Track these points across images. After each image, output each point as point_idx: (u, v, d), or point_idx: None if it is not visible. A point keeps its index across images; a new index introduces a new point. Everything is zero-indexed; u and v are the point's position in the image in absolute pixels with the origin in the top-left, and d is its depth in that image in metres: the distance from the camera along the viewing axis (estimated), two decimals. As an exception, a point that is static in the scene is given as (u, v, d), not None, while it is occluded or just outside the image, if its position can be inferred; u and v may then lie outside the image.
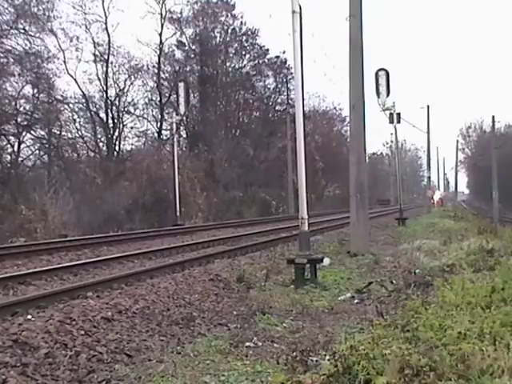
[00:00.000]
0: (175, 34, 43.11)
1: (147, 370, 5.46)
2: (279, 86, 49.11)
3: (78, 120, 36.77)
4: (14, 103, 29.84)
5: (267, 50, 47.20)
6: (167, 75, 43.27)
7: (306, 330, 7.16)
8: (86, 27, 36.60)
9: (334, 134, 60.39)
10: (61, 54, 34.52)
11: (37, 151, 33.09)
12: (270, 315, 7.79)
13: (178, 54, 44.13)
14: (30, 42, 30.40)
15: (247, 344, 6.39)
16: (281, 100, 49.59)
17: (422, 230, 24.52)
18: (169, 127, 40.00)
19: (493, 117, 56.74)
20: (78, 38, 35.65)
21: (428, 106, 54.11)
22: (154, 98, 41.97)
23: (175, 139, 31.63)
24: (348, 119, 22.26)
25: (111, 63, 38.06)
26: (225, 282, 10.01)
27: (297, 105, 11.86)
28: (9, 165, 29.94)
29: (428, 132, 54.32)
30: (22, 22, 30.03)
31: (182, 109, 30.37)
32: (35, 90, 31.65)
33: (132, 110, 39.93)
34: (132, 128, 40.38)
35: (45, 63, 32.16)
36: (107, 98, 37.71)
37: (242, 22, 45.74)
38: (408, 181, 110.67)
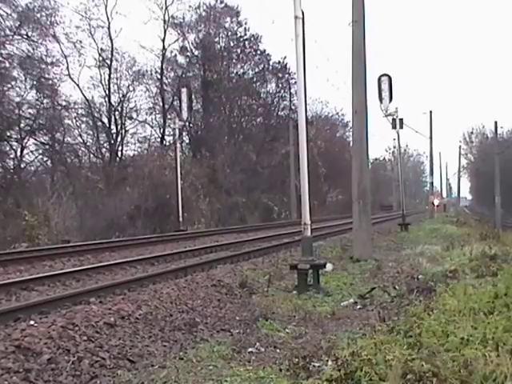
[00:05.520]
0: (178, 39, 43.23)
1: (150, 376, 5.45)
2: (282, 91, 49.20)
3: (80, 125, 36.80)
4: (17, 109, 29.87)
5: (269, 55, 47.38)
6: (170, 80, 43.33)
7: (308, 335, 7.15)
8: (90, 32, 36.71)
9: (336, 140, 60.40)
10: (64, 59, 34.59)
11: (40, 156, 33.13)
12: (273, 321, 7.78)
13: (181, 60, 44.25)
14: (33, 48, 30.51)
15: (250, 349, 6.39)
16: (283, 105, 49.68)
17: (424, 236, 24.51)
18: (172, 133, 40.04)
19: (495, 122, 56.91)
20: (81, 42, 35.72)
21: (431, 112, 54.19)
22: (157, 104, 42.02)
23: (178, 145, 31.68)
24: (351, 125, 22.27)
25: (115, 69, 38.16)
26: (227, 287, 10.00)
27: (299, 110, 11.87)
28: (12, 170, 29.97)
29: (431, 137, 54.33)
30: (25, 27, 30.13)
31: (184, 114, 30.43)
32: (38, 96, 31.72)
33: (135, 116, 39.98)
34: (135, 133, 40.43)
35: (48, 69, 32.25)
36: (110, 103, 37.76)
37: (245, 28, 45.94)
38: (411, 186, 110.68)
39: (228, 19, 45.53)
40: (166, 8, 41.21)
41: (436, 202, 52.32)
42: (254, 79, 48.02)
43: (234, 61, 46.79)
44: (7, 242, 20.95)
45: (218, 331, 7.38)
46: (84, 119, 37.02)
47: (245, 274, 11.37)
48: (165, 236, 23.94)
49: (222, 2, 44.70)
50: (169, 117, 41.25)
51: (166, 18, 41.54)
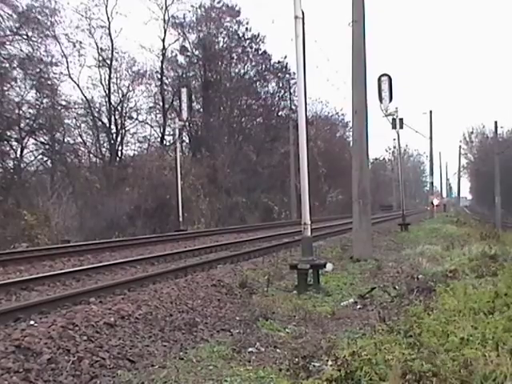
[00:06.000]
0: (178, 39, 43.24)
1: (150, 376, 5.45)
2: (282, 91, 49.23)
3: (80, 125, 36.77)
4: (16, 109, 29.84)
5: (270, 55, 47.40)
6: (170, 80, 43.34)
7: (308, 335, 7.15)
8: (90, 32, 36.70)
9: (336, 140, 60.40)
10: (64, 59, 34.60)
11: (40, 156, 33.09)
12: (273, 321, 7.79)
13: (181, 60, 44.24)
14: (32, 48, 30.50)
15: (250, 349, 6.39)
16: (283, 105, 49.69)
17: (424, 236, 24.49)
18: (172, 132, 40.04)
19: (495, 122, 56.94)
20: (81, 43, 35.71)
21: (431, 112, 54.23)
22: (157, 104, 42.01)
23: (178, 144, 31.69)
24: (350, 125, 22.26)
25: (114, 69, 38.15)
26: (227, 287, 10.00)
27: (299, 110, 11.87)
28: (12, 170, 29.94)
29: (431, 137, 54.37)
30: (26, 28, 30.11)
31: (184, 114, 30.44)
32: (38, 96, 31.69)
33: (135, 116, 39.96)
34: (135, 133, 40.42)
35: (48, 69, 32.24)
36: (110, 103, 37.75)
37: (247, 28, 45.95)
38: (411, 186, 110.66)
39: (229, 19, 45.50)
40: (166, 8, 41.29)
41: (436, 201, 52.35)
42: (255, 79, 48.03)
43: (234, 61, 46.81)
44: (7, 241, 20.95)
45: (218, 331, 7.38)
46: (84, 119, 37.01)
47: (245, 273, 11.36)
48: (165, 236, 23.94)
49: (219, 2, 44.72)
50: (169, 117, 41.24)
51: (166, 18, 41.61)
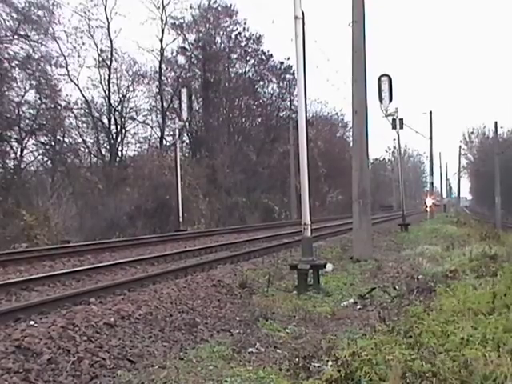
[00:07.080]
0: (176, 39, 43.19)
1: (150, 376, 5.44)
2: (282, 91, 49.21)
3: (80, 126, 36.76)
4: (16, 109, 29.82)
5: (271, 55, 47.36)
6: (170, 81, 43.30)
7: (308, 335, 7.15)
8: (89, 33, 36.70)
9: (336, 140, 60.43)
10: (63, 59, 34.59)
11: (40, 157, 33.08)
12: (273, 321, 7.79)
13: (181, 60, 44.23)
14: (32, 48, 30.48)
15: (250, 350, 6.39)
16: (284, 106, 49.67)
17: (424, 236, 24.49)
18: (171, 133, 40.03)
19: (495, 122, 56.88)
20: (82, 38, 35.74)
21: (431, 112, 54.29)
22: (156, 104, 42.02)
23: (178, 145, 31.66)
24: (350, 125, 22.24)
25: (114, 69, 38.14)
26: (227, 287, 10.00)
27: (299, 110, 11.86)
28: (12, 170, 29.92)
29: (431, 138, 54.38)
30: (25, 28, 30.10)
31: (184, 114, 30.43)
32: (38, 96, 31.68)
33: (135, 116, 39.95)
34: (135, 134, 40.40)
35: (48, 69, 32.25)
36: (110, 103, 37.75)
37: (244, 28, 45.91)
38: (411, 186, 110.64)
39: (227, 19, 45.46)
40: (164, 8, 41.23)
41: (429, 201, 51.30)
42: (255, 79, 48.01)
43: (234, 61, 46.80)
44: (7, 241, 20.94)
45: (218, 331, 7.38)
46: (84, 119, 37.01)
47: (245, 274, 11.36)
48: (165, 236, 23.93)
49: (215, 2, 44.73)
50: (170, 117, 41.22)
51: (164, 18, 41.56)
